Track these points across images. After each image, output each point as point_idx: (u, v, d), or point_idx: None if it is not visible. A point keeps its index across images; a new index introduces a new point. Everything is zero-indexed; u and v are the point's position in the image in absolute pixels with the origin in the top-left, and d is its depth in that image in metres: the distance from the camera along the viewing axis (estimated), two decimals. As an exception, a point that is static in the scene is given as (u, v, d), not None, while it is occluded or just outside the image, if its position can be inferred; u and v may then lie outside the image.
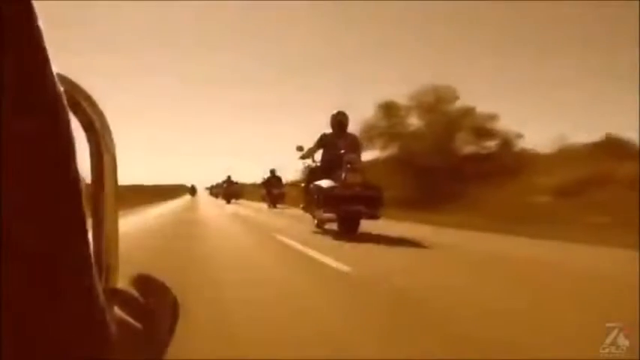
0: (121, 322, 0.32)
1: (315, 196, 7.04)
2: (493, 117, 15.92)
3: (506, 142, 15.55)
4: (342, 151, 6.86)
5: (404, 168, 15.45)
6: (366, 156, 18.34)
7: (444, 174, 13.88)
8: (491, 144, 15.84)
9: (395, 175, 14.91)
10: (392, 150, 17.15)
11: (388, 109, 17.59)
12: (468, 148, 16.09)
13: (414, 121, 17.21)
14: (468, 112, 16.17)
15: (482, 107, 16.28)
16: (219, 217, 12.51)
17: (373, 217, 6.48)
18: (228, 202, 25.73)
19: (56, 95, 0.25)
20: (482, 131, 15.79)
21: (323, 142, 7.57)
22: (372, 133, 17.22)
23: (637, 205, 6.75)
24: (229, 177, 29.20)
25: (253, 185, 31.90)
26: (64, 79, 0.34)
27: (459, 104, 16.39)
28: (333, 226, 7.01)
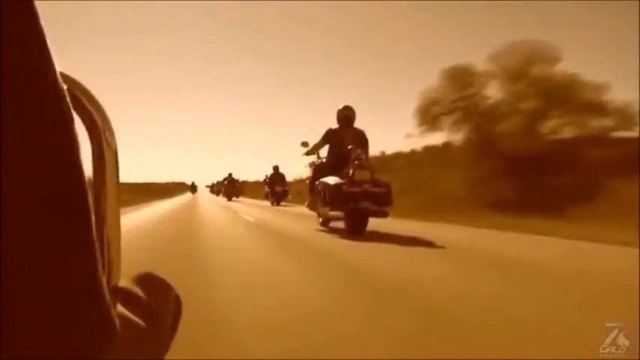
0: (124, 320, 0.33)
1: (321, 194, 7.04)
2: (604, 87, 11.14)
3: (626, 121, 10.80)
4: (350, 147, 6.83)
5: (484, 156, 11.88)
6: (428, 140, 16.21)
7: (545, 164, 10.07)
8: (606, 123, 11.07)
9: (472, 167, 11.84)
10: (465, 132, 13.12)
11: (459, 76, 13.06)
12: (569, 130, 11.47)
13: (495, 93, 12.83)
14: (572, 79, 11.42)
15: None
16: (220, 218, 12.51)
17: (382, 214, 6.45)
18: (229, 199, 25.85)
19: (59, 93, 0.26)
20: (595, 107, 11.14)
21: (329, 137, 7.57)
22: (436, 110, 13.32)
23: None
24: (230, 174, 29.28)
25: (257, 183, 31.92)
26: (66, 77, 0.35)
27: (558, 69, 11.72)
28: (338, 224, 7.01)
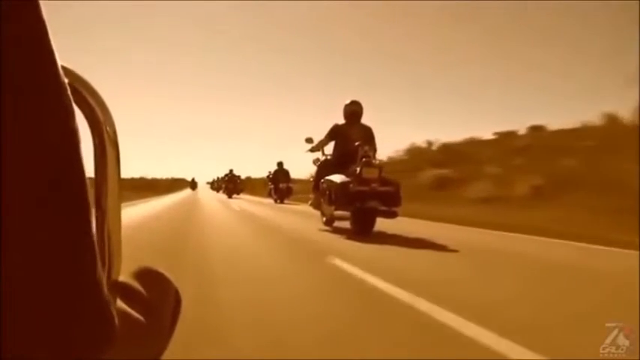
0: (124, 315, 0.35)
1: (327, 192, 6.99)
2: None
3: None
4: (357, 143, 6.77)
5: None
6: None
7: None
8: None
9: None
10: None
11: None
12: None
13: None
14: None
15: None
16: (221, 214, 12.53)
17: (391, 215, 6.39)
18: (230, 196, 25.88)
19: (60, 86, 0.27)
20: None
21: (335, 133, 7.51)
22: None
23: None
24: (231, 170, 29.25)
25: (262, 179, 31.84)
26: (68, 72, 0.36)
27: None
28: (342, 224, 6.96)
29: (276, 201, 19.01)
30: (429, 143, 20.31)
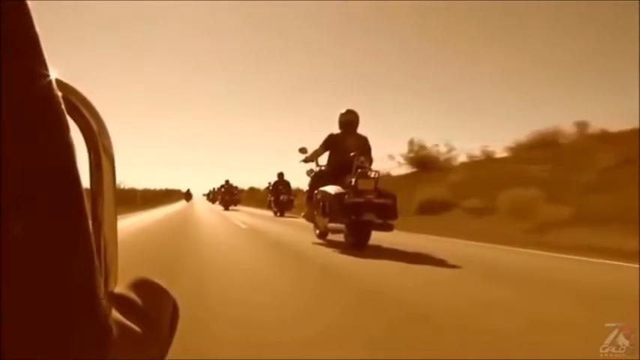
0: (121, 326, 0.35)
1: (321, 204, 6.91)
2: None
3: None
4: (352, 154, 6.71)
5: None
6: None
7: None
8: None
9: None
10: None
11: None
12: None
13: None
14: None
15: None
16: (218, 228, 12.45)
17: (387, 228, 6.27)
18: (226, 208, 25.68)
19: (54, 99, 0.28)
20: None
21: (330, 143, 7.45)
22: None
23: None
24: (227, 181, 29.05)
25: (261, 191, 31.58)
26: (62, 84, 0.37)
27: None
28: (334, 237, 6.87)
29: (275, 214, 18.37)
30: (582, 125, 13.53)
